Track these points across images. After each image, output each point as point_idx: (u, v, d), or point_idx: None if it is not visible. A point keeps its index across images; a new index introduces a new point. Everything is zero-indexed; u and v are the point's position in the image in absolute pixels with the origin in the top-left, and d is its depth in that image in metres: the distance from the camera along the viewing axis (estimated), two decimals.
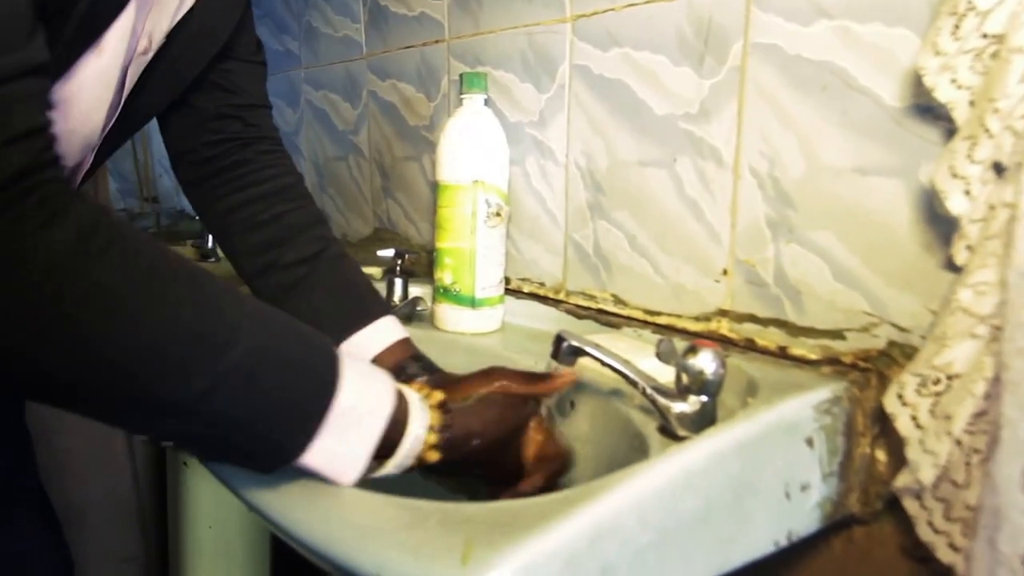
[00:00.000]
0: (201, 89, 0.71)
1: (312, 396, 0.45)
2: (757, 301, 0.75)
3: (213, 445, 0.45)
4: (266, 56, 0.79)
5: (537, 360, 0.79)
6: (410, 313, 0.93)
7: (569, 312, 0.92)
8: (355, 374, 0.47)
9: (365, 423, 0.47)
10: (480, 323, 0.91)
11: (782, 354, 0.74)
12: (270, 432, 0.44)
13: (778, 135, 0.70)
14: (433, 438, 0.51)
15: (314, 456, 0.45)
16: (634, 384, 0.57)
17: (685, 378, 0.56)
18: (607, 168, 0.87)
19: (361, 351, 0.70)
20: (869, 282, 0.65)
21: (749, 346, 0.77)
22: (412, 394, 0.52)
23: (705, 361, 0.55)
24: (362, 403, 0.47)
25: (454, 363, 0.88)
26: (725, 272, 0.78)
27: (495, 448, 0.54)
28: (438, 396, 0.53)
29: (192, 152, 0.75)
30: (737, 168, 0.74)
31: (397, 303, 0.96)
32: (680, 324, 0.83)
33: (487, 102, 0.92)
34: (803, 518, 0.58)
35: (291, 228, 0.74)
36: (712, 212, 0.77)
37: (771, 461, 0.53)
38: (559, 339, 0.59)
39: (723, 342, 0.79)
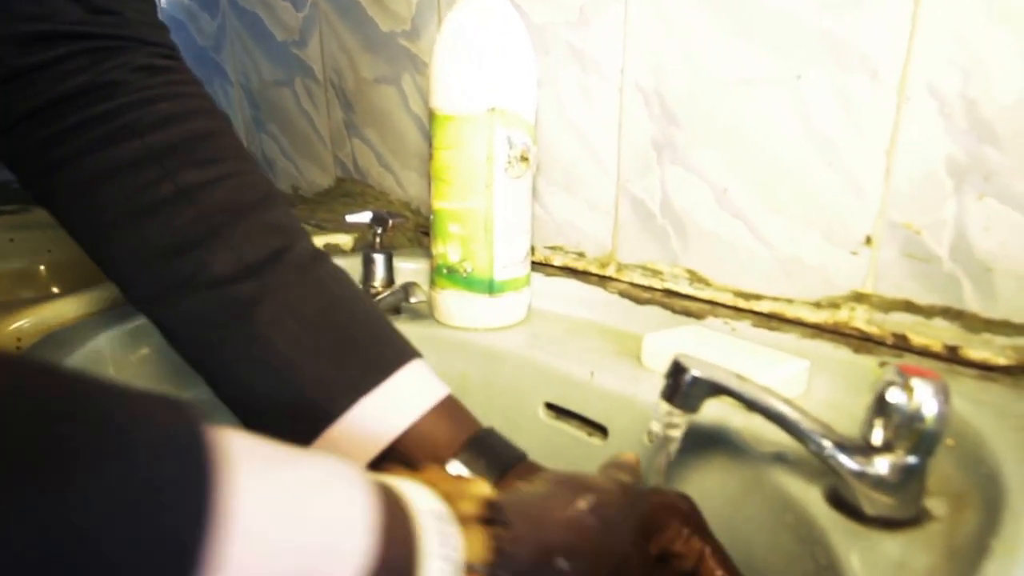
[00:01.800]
0: None
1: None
2: (917, 281, 0.61)
3: None
4: None
5: (593, 370, 0.64)
6: (398, 305, 0.76)
7: (624, 294, 0.77)
8: (261, 497, 0.24)
9: None
10: (501, 315, 0.75)
11: (953, 357, 0.60)
12: None
13: (981, 40, 0.54)
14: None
15: None
16: (803, 438, 0.41)
17: (886, 426, 0.41)
18: (687, 89, 0.71)
19: (380, 427, 0.49)
20: None
21: (900, 345, 0.63)
22: (419, 495, 0.30)
23: (923, 400, 0.40)
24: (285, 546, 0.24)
25: (467, 372, 0.73)
26: (868, 240, 0.62)
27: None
28: (473, 493, 0.33)
29: None
30: (904, 85, 0.58)
31: (380, 290, 0.80)
32: (792, 312, 0.68)
33: None
34: None
35: (217, 212, 0.50)
36: (855, 153, 0.62)
37: None
38: (678, 369, 0.43)
39: (859, 339, 0.64)
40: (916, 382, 0.40)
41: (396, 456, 0.49)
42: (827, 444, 0.42)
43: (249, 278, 0.49)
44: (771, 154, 0.66)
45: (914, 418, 0.40)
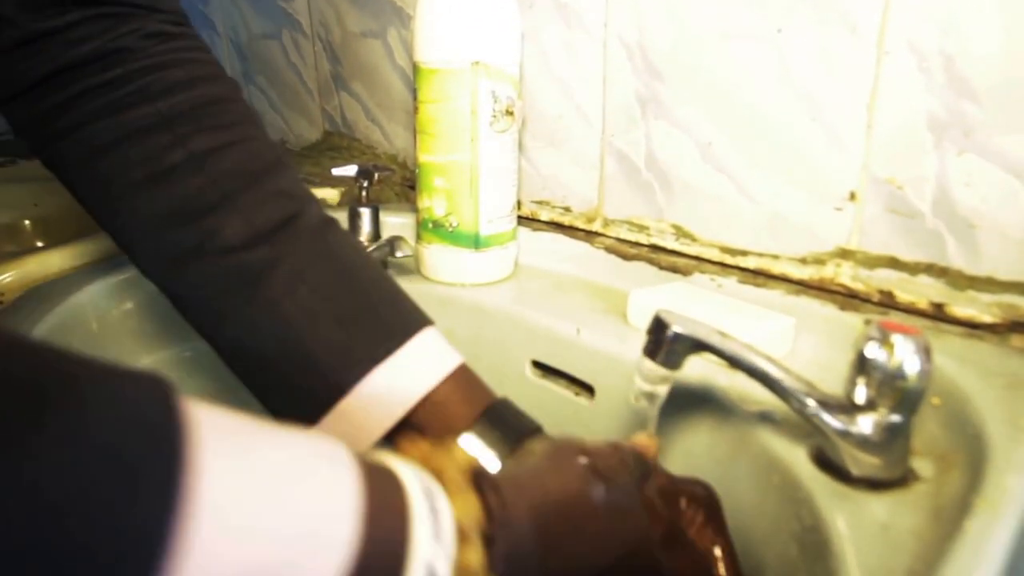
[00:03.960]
0: None
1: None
2: (901, 237, 0.59)
3: None
4: None
5: (580, 327, 0.62)
6: (385, 259, 0.74)
7: (610, 250, 0.75)
8: (231, 484, 0.22)
9: None
10: (487, 270, 0.73)
11: (938, 315, 0.59)
12: None
13: None
14: (475, 556, 0.27)
15: None
16: (786, 396, 0.40)
17: (869, 383, 0.39)
18: (670, 43, 0.68)
19: (394, 397, 0.46)
20: None
21: (886, 303, 0.61)
22: (406, 471, 0.28)
23: (904, 357, 0.38)
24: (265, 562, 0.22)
25: (452, 329, 0.71)
26: (852, 196, 0.60)
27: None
28: (458, 461, 0.30)
29: None
30: (883, 39, 0.56)
31: (366, 244, 0.77)
32: (777, 268, 0.66)
33: None
34: None
35: (229, 178, 0.48)
36: (837, 108, 0.59)
37: None
38: (660, 326, 0.41)
39: (844, 296, 0.63)
40: (897, 338, 0.38)
41: (411, 426, 0.47)
42: (810, 402, 0.40)
43: (260, 245, 0.47)
44: (753, 109, 0.64)
45: (896, 375, 0.38)
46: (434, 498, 0.27)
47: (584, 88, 0.75)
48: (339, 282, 0.48)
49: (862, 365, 0.39)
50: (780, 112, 0.62)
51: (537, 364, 0.67)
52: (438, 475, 0.29)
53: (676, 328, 0.41)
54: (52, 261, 0.70)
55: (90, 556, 0.18)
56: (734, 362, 0.41)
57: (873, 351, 0.39)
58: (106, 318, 0.67)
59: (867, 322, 0.40)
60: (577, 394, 0.64)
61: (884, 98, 0.57)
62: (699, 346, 0.41)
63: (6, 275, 0.66)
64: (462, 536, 0.27)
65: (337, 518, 0.23)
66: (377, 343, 0.47)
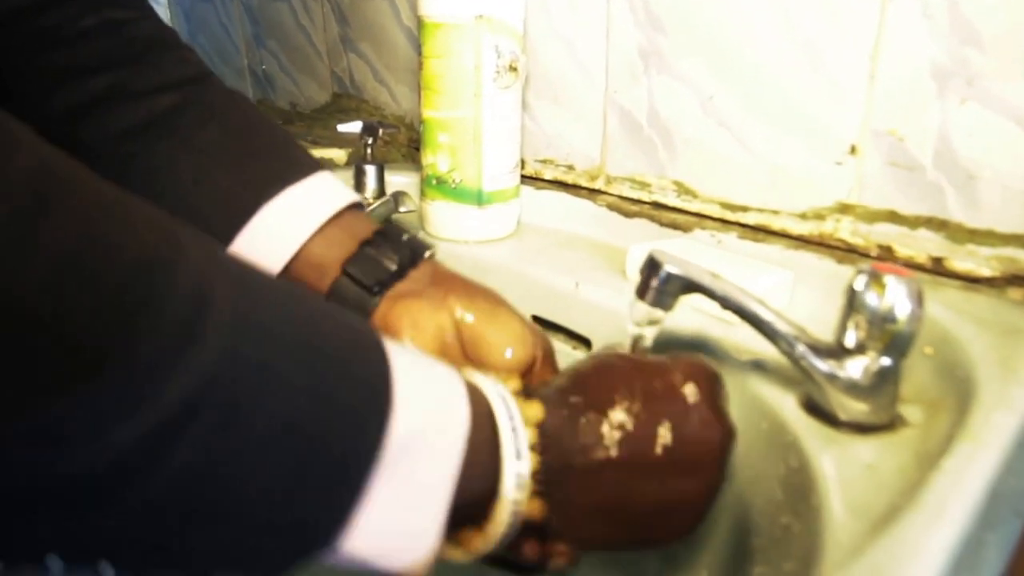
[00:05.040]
0: None
1: (349, 429, 0.26)
2: (901, 191, 0.58)
3: (164, 554, 0.24)
4: None
5: (578, 282, 0.62)
6: (389, 215, 0.74)
7: (612, 207, 0.74)
8: (412, 376, 0.29)
9: (436, 462, 0.29)
10: (489, 227, 0.73)
11: (938, 269, 0.58)
12: (277, 508, 0.25)
13: None
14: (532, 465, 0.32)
15: (359, 535, 0.26)
16: (776, 339, 0.39)
17: (859, 326, 0.38)
18: None
19: (290, 224, 0.47)
20: None
21: (885, 257, 0.60)
22: (487, 383, 0.34)
23: (895, 300, 0.37)
24: (429, 427, 0.29)
25: None
26: (853, 149, 0.59)
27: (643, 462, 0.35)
28: (535, 407, 0.34)
29: None
30: None
31: (371, 201, 0.77)
32: (778, 224, 0.66)
33: None
34: (1016, 532, 0.42)
35: (142, 42, 0.49)
36: (839, 58, 0.58)
37: (1017, 466, 0.36)
38: (652, 265, 0.40)
39: (844, 251, 0.62)
40: (889, 279, 0.38)
41: (319, 248, 0.47)
42: (799, 345, 0.39)
43: (172, 92, 0.49)
44: (755, 60, 0.63)
45: (886, 318, 0.38)
46: (507, 399, 0.34)
47: (587, 44, 0.74)
48: (246, 125, 0.50)
49: (853, 306, 0.39)
50: (782, 63, 0.61)
51: (537, 318, 0.66)
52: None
53: (668, 268, 0.40)
54: None
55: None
56: (725, 303, 0.40)
57: (865, 292, 0.38)
58: None
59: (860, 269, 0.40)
60: (575, 347, 0.64)
61: (887, 47, 0.56)
62: (690, 286, 0.40)
63: None
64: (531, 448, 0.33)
65: (460, 405, 0.31)
66: (279, 175, 0.48)
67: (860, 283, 0.38)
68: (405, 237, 0.48)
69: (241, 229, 0.46)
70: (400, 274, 0.46)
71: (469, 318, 0.44)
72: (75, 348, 0.19)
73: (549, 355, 0.46)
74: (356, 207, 0.50)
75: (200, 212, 0.47)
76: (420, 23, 0.69)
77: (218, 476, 0.23)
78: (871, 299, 0.38)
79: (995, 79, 0.51)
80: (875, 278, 0.38)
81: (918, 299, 0.38)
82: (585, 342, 0.63)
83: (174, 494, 0.22)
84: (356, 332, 0.29)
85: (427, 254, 0.48)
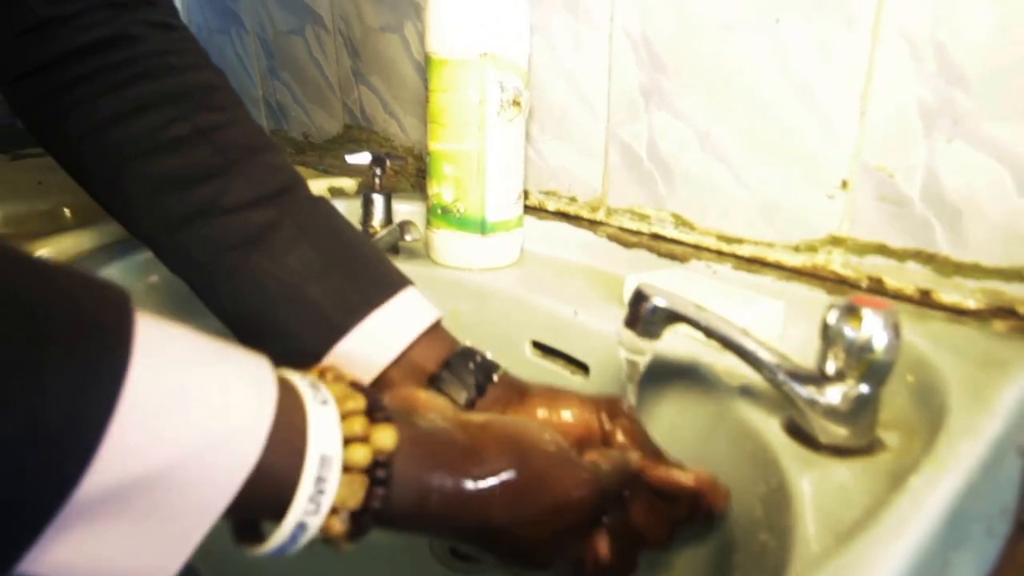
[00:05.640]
0: None
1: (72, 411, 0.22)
2: (891, 224, 0.60)
3: None
4: None
5: (576, 309, 0.64)
6: (395, 243, 0.76)
7: (612, 238, 0.76)
8: (155, 374, 0.24)
9: (203, 487, 0.25)
10: (492, 255, 0.75)
11: (925, 301, 0.59)
12: None
13: None
14: (358, 486, 0.30)
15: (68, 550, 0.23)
16: (758, 366, 0.41)
17: (837, 355, 0.40)
18: (672, 35, 0.69)
19: (382, 343, 0.49)
20: None
21: (875, 289, 0.62)
22: (301, 383, 0.30)
23: (873, 331, 0.39)
24: (184, 455, 0.25)
25: (457, 310, 0.73)
26: (844, 184, 0.61)
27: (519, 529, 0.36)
28: (356, 399, 0.32)
29: (5, 14, 0.47)
30: (878, 28, 0.56)
31: (378, 229, 0.79)
32: (772, 256, 0.67)
33: None
34: (994, 551, 0.44)
35: (234, 150, 0.51)
36: (831, 97, 0.60)
37: (983, 491, 0.37)
38: (640, 297, 0.42)
39: (835, 282, 0.64)
40: (866, 312, 0.39)
41: (404, 365, 0.50)
42: (781, 372, 0.41)
43: (265, 205, 0.50)
44: (752, 98, 0.65)
45: (864, 348, 0.39)
46: (323, 404, 0.30)
47: (591, 80, 0.77)
48: (336, 240, 0.52)
49: (828, 337, 0.40)
50: (777, 101, 0.63)
51: (537, 344, 0.68)
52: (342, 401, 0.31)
53: (655, 300, 0.42)
54: (85, 239, 0.73)
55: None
56: (709, 333, 0.42)
57: (839, 324, 0.40)
58: (133, 289, 0.70)
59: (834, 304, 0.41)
60: (573, 372, 0.65)
61: (877, 86, 0.58)
62: (675, 317, 0.42)
63: (41, 251, 0.70)
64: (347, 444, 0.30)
65: (244, 435, 0.26)
66: (371, 295, 0.50)
67: (832, 317, 0.40)
68: (478, 359, 0.51)
69: (330, 350, 0.48)
70: (480, 392, 0.49)
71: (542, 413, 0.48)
72: None
73: (619, 417, 0.48)
74: (436, 327, 0.52)
75: (291, 329, 0.49)
76: (428, 59, 0.71)
77: None
78: (848, 331, 0.40)
79: (980, 119, 0.53)
80: (852, 311, 0.40)
81: (895, 330, 0.40)
82: (583, 367, 0.64)
83: None
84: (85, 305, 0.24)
85: (496, 376, 0.51)
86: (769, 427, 0.45)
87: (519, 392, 0.49)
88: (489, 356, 0.52)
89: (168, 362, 0.25)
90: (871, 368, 0.40)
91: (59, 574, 0.23)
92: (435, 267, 0.76)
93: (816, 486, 0.38)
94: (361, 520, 0.30)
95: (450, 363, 0.50)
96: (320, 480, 0.28)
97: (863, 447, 0.42)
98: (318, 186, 0.95)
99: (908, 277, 0.60)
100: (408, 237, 0.75)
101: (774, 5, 0.61)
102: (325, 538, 0.30)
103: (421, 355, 0.50)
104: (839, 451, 0.42)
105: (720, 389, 0.51)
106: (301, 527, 0.28)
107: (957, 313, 0.57)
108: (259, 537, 0.30)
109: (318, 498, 0.28)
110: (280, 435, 0.27)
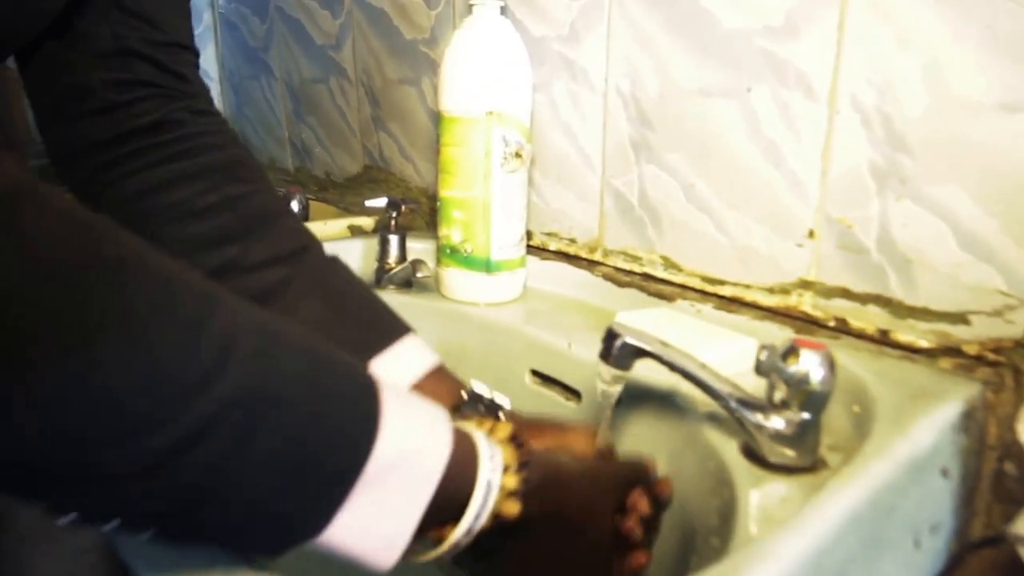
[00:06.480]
0: (91, 7, 0.54)
1: (340, 448, 0.35)
2: (852, 271, 0.66)
3: (182, 527, 0.33)
4: None
5: (571, 342, 0.71)
6: (408, 279, 0.84)
7: (607, 277, 0.83)
8: (398, 407, 0.37)
9: (416, 478, 0.37)
10: (497, 291, 0.82)
11: (884, 340, 0.66)
12: (274, 504, 0.33)
13: (891, 64, 0.60)
14: (512, 481, 0.41)
15: (339, 532, 0.35)
16: (714, 395, 0.48)
17: (782, 389, 0.47)
18: (658, 97, 0.76)
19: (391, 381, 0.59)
20: (1006, 252, 0.57)
21: (840, 328, 0.68)
22: (470, 427, 0.42)
23: (810, 367, 0.46)
24: (410, 450, 0.37)
25: (463, 342, 0.80)
26: (811, 233, 0.68)
27: (589, 503, 0.45)
28: (505, 428, 0.43)
29: (79, 98, 0.56)
30: (834, 100, 0.64)
31: (393, 266, 0.87)
32: (749, 296, 0.74)
33: (504, 11, 0.82)
34: (930, 566, 0.50)
35: (255, 217, 0.60)
36: (796, 156, 0.67)
37: (902, 505, 0.44)
38: (611, 335, 0.50)
39: (805, 322, 0.70)
40: (803, 351, 0.46)
41: None
42: (733, 401, 0.48)
43: (280, 265, 0.59)
44: (728, 156, 0.72)
45: (802, 381, 0.46)
46: (488, 438, 0.42)
47: (587, 134, 0.84)
48: (344, 294, 0.60)
49: (761, 372, 0.48)
50: (750, 160, 0.71)
51: (535, 373, 0.75)
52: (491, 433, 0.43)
53: (625, 338, 0.49)
54: None
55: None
56: (672, 367, 0.49)
57: (779, 361, 0.47)
58: None
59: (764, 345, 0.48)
60: (567, 399, 0.72)
61: (836, 149, 0.65)
62: (642, 353, 0.49)
63: None
64: (505, 467, 0.41)
65: (445, 441, 0.39)
66: (373, 342, 0.58)
67: (763, 355, 0.47)
68: (486, 400, 0.59)
69: None
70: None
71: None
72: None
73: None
74: (440, 369, 0.61)
75: None
76: (439, 116, 0.79)
77: (229, 475, 0.31)
78: (788, 367, 0.47)
79: (923, 182, 0.60)
80: (792, 350, 0.47)
81: (829, 366, 0.46)
82: (576, 394, 0.71)
83: (191, 485, 0.31)
84: (356, 373, 0.38)
85: (502, 414, 0.59)
86: (728, 448, 0.51)
87: (524, 427, 0.57)
88: (493, 395, 0.59)
89: (401, 398, 0.38)
90: (809, 398, 0.47)
91: (343, 541, 0.35)
92: (444, 301, 0.84)
93: (761, 499, 0.45)
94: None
95: (462, 408, 0.58)
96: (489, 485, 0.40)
97: (807, 466, 0.49)
98: (339, 224, 1.03)
99: (869, 318, 0.66)
100: (419, 274, 0.83)
101: (745, 76, 0.69)
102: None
103: (430, 395, 0.57)
104: (787, 469, 0.48)
105: (691, 415, 0.57)
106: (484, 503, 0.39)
107: (911, 351, 0.64)
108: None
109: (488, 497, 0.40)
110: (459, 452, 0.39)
